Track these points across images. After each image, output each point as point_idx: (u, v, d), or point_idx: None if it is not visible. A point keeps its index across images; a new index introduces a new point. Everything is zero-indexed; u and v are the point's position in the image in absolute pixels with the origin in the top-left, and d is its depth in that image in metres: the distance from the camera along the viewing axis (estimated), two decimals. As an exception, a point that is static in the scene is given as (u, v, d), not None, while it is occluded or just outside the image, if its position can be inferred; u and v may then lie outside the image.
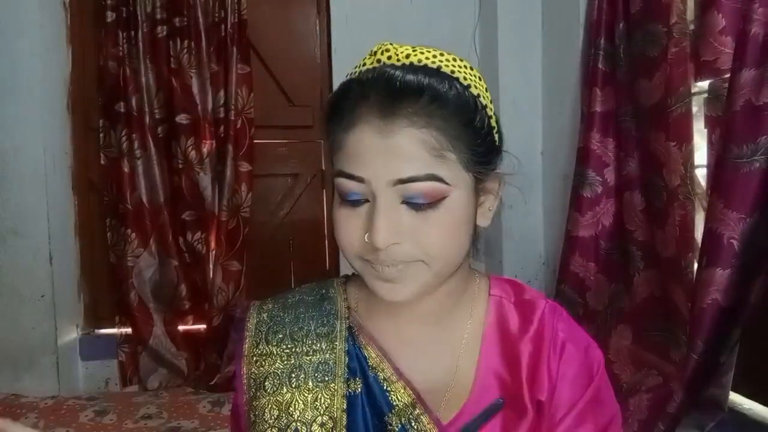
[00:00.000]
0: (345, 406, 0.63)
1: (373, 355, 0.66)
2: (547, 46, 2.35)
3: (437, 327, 0.68)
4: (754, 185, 1.29)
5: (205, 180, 2.35)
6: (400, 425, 0.63)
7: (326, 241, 2.59)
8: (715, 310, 1.37)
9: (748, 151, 1.29)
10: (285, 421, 0.63)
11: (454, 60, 0.62)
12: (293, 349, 0.67)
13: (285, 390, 0.65)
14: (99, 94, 2.35)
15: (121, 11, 2.26)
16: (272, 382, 0.65)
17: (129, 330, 2.40)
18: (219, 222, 2.36)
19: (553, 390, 0.64)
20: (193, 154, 2.34)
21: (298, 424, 0.63)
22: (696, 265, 1.48)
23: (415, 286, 0.60)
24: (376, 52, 0.62)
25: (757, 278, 1.34)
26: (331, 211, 0.63)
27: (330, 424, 0.62)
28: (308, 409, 0.63)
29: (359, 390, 0.65)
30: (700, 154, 1.58)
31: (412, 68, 0.59)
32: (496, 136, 0.64)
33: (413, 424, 0.62)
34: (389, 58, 0.60)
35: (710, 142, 1.51)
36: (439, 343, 0.68)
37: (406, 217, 0.58)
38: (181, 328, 2.43)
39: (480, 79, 0.63)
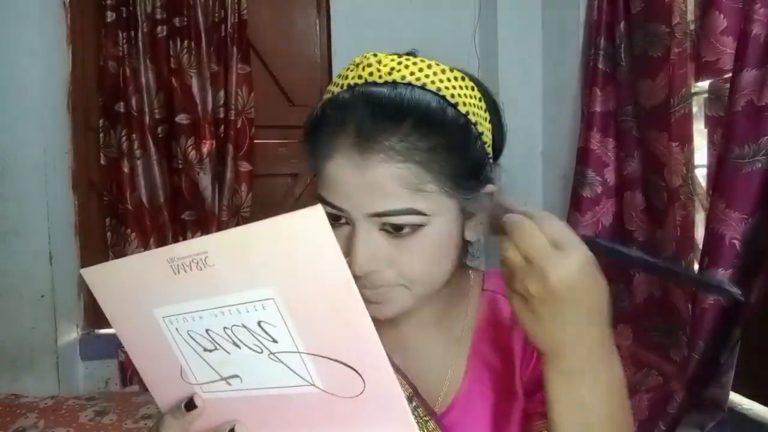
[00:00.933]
0: None
1: None
2: (547, 46, 2.35)
3: (436, 327, 0.69)
4: (756, 185, 1.30)
5: (205, 180, 2.35)
6: None
7: (326, 241, 2.59)
8: (716, 310, 1.37)
9: (750, 151, 1.30)
10: None
11: (443, 72, 0.59)
12: None
13: None
14: (99, 94, 2.34)
15: (121, 11, 2.25)
16: None
17: (129, 330, 2.39)
18: (219, 222, 2.35)
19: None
20: (193, 154, 2.33)
21: None
22: (697, 266, 1.49)
23: (398, 306, 0.60)
24: (359, 65, 0.60)
25: (758, 278, 1.34)
26: None
27: None
28: None
29: None
30: (701, 155, 1.59)
31: (394, 87, 0.57)
32: (489, 149, 0.62)
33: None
34: (371, 74, 0.58)
35: (711, 143, 1.51)
36: (437, 343, 0.69)
37: (384, 244, 0.57)
38: (181, 328, 2.43)
39: (472, 89, 0.60)
